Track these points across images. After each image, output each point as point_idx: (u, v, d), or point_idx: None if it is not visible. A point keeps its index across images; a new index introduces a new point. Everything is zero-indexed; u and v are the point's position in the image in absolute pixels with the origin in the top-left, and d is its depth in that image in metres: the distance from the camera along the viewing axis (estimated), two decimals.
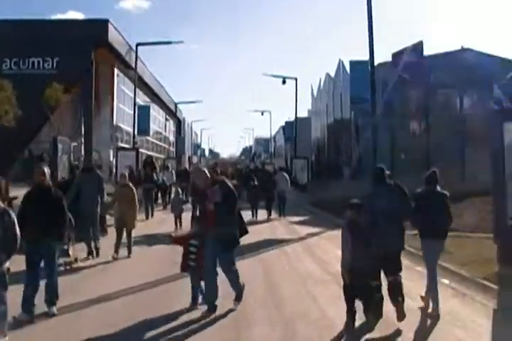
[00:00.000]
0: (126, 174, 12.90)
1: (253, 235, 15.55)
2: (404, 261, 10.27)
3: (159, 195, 25.11)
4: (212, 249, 7.43)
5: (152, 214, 20.44)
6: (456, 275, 9.55)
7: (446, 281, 9.26)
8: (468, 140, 26.66)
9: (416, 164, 25.73)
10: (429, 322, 7.14)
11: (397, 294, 6.98)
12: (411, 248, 10.36)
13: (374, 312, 6.91)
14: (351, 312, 6.78)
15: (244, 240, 14.11)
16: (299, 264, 11.36)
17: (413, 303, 7.71)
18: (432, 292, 7.47)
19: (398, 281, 7.10)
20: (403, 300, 7.03)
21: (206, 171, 7.85)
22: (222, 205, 7.36)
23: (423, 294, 7.72)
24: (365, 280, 6.75)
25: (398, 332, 6.74)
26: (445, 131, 28.30)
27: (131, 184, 12.37)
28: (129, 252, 11.83)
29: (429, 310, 7.42)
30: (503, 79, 23.75)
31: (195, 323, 7.01)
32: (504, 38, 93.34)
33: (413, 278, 8.83)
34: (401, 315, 6.87)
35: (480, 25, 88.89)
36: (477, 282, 8.94)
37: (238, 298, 7.71)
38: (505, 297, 8.13)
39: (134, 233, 12.15)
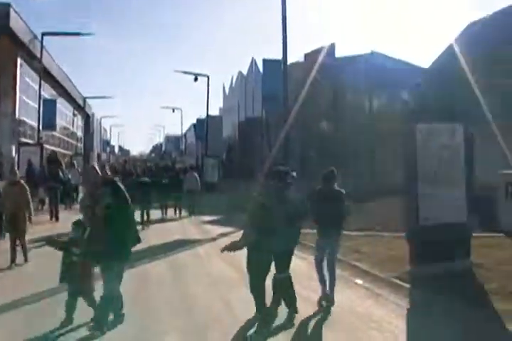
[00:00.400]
0: (17, 170, 11.72)
1: (163, 235, 15.22)
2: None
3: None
4: (100, 258, 6.52)
5: (57, 215, 19.12)
6: (370, 275, 9.56)
7: (359, 281, 9.25)
8: (378, 140, 27.28)
9: (327, 163, 26.03)
10: (345, 324, 7.01)
11: (284, 290, 7.24)
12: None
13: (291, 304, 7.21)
14: (263, 308, 6.96)
15: (154, 241, 13.80)
16: (212, 266, 10.98)
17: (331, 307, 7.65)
18: (321, 282, 7.90)
19: (288, 277, 7.30)
20: (294, 295, 7.30)
21: (97, 169, 6.96)
22: (111, 209, 6.45)
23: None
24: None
25: (315, 334, 6.61)
26: (355, 131, 28.86)
27: (22, 181, 11.22)
28: (25, 257, 10.83)
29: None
30: (410, 83, 24.46)
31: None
32: (411, 45, 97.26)
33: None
34: (293, 312, 7.19)
35: (389, 31, 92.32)
36: (390, 281, 8.95)
37: (97, 326, 6.41)
38: (417, 296, 8.16)
39: (36, 235, 11.32)
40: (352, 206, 8.56)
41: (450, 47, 18.69)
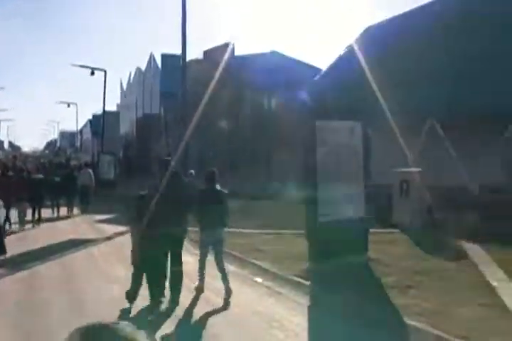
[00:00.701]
0: None
1: (55, 234, 14.47)
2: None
3: None
4: None
5: None
6: (270, 273, 9.44)
7: (259, 280, 9.13)
8: (276, 140, 27.49)
9: (225, 163, 26.00)
10: (246, 323, 6.86)
11: (176, 282, 7.65)
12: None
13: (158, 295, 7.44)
14: (134, 292, 7.43)
15: (45, 241, 13.05)
16: (107, 266, 10.48)
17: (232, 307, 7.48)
18: (201, 275, 8.20)
19: (180, 271, 7.72)
20: (180, 287, 7.71)
21: None
22: None
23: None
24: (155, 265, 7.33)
25: (214, 335, 6.46)
26: (254, 130, 28.94)
27: None
28: None
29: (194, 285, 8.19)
30: (309, 83, 24.82)
31: None
32: (309, 46, 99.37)
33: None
34: (175, 302, 7.52)
35: (289, 32, 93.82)
36: (290, 279, 8.88)
37: None
38: (316, 293, 8.15)
39: None
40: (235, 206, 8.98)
41: (349, 49, 19.18)
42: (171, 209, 7.36)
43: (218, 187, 8.35)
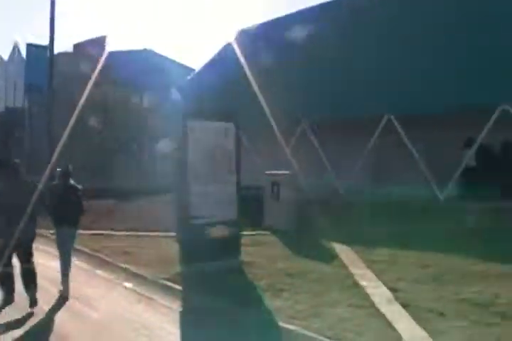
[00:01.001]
0: None
1: None
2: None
3: None
4: None
5: None
6: (139, 277, 9.04)
7: (129, 285, 8.73)
8: (148, 138, 26.98)
9: (95, 162, 25.13)
10: (113, 332, 6.45)
11: (30, 281, 7.34)
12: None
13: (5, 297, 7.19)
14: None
15: None
16: None
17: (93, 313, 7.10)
18: (64, 276, 8.07)
19: (31, 269, 7.47)
20: (36, 286, 7.34)
21: None
22: None
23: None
24: None
25: None
26: (126, 128, 28.16)
27: None
28: None
29: (64, 293, 7.90)
30: (181, 82, 24.64)
31: None
32: (183, 46, 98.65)
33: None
34: (33, 303, 7.19)
35: (162, 30, 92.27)
36: (161, 283, 8.54)
37: None
38: (188, 297, 7.89)
39: None
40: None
41: (224, 50, 19.24)
42: (14, 210, 7.12)
43: (72, 182, 8.32)
